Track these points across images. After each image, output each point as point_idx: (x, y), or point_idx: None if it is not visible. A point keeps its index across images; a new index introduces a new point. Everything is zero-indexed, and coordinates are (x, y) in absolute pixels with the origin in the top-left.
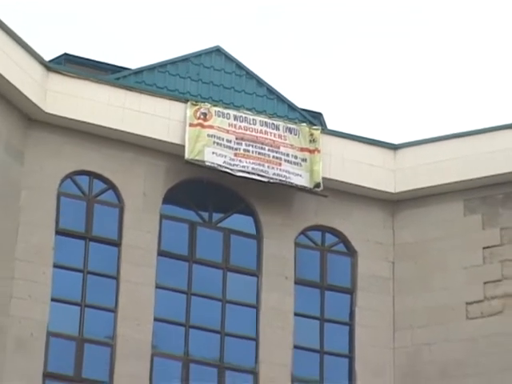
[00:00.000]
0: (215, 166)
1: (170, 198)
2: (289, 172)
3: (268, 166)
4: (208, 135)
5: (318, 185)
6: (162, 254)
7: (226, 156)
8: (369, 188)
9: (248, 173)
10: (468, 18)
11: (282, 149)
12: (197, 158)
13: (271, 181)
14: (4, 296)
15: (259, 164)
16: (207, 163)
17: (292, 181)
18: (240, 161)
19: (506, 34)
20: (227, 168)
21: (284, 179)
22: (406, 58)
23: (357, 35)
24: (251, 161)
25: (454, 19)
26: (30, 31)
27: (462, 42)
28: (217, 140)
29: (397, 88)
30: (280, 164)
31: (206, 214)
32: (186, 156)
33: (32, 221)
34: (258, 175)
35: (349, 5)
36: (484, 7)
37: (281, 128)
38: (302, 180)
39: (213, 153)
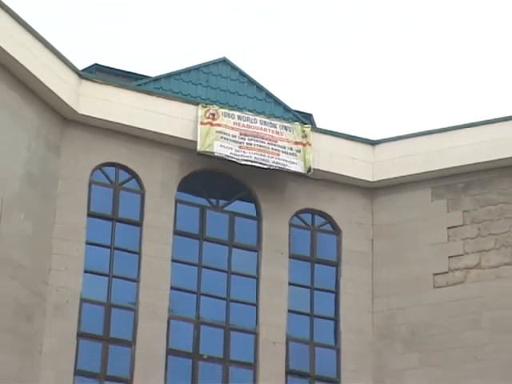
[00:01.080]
0: (223, 155)
1: (183, 185)
2: (286, 160)
3: (268, 156)
4: (216, 131)
5: (309, 169)
6: (176, 233)
7: (231, 148)
8: (351, 177)
9: (251, 161)
10: (443, 21)
11: (279, 142)
12: (207, 149)
13: (271, 168)
14: (44, 269)
15: (260, 154)
16: (216, 154)
17: (288, 167)
18: (244, 152)
19: (472, 35)
20: (233, 158)
21: (282, 166)
22: (383, 63)
23: (341, 47)
24: (253, 152)
25: (430, 23)
26: (65, 43)
27: (432, 47)
28: (224, 135)
29: (376, 91)
30: (278, 154)
31: (213, 200)
32: (198, 148)
33: (67, 205)
34: (260, 163)
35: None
36: (458, 5)
37: (277, 126)
38: (296, 167)
39: (220, 145)
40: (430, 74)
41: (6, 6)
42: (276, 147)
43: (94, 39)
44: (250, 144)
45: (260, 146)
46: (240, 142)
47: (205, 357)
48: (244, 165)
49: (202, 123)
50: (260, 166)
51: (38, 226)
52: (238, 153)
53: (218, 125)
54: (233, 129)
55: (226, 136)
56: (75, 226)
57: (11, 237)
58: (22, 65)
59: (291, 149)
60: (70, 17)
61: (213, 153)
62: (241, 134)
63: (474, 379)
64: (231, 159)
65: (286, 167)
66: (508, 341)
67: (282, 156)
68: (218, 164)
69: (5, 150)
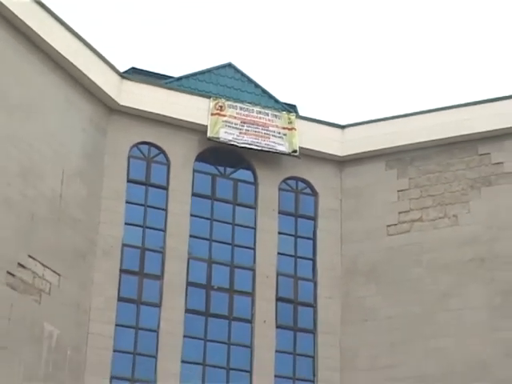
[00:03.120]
0: (226, 140)
1: (199, 159)
2: (274, 142)
3: (261, 139)
4: (222, 121)
5: (294, 151)
6: (194, 194)
7: (233, 134)
8: (326, 153)
9: (248, 144)
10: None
11: (270, 128)
12: (214, 136)
13: (264, 149)
14: (95, 221)
15: (255, 138)
16: (221, 139)
17: (277, 148)
18: (243, 136)
19: (430, 24)
20: (234, 142)
21: (271, 148)
22: (354, 63)
23: (321, 50)
24: (250, 136)
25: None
26: (109, 51)
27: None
28: (228, 124)
29: (346, 86)
30: (269, 138)
31: (222, 169)
32: (208, 135)
33: (112, 173)
34: (255, 146)
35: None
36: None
37: (269, 115)
38: (282, 148)
39: (225, 132)
40: (386, 69)
41: (66, 24)
42: (267, 132)
43: (131, 47)
44: (248, 130)
45: (255, 131)
46: (240, 129)
47: (215, 287)
48: (242, 148)
49: (212, 114)
50: (255, 148)
51: (90, 189)
52: (238, 137)
53: (224, 115)
54: (235, 118)
55: (230, 124)
56: (118, 189)
57: (71, 198)
58: (78, 69)
59: (279, 133)
60: (112, 29)
61: (218, 138)
62: (241, 122)
63: (415, 305)
64: (232, 143)
65: (275, 148)
66: (441, 275)
67: (272, 139)
68: (224, 145)
69: (66, 132)
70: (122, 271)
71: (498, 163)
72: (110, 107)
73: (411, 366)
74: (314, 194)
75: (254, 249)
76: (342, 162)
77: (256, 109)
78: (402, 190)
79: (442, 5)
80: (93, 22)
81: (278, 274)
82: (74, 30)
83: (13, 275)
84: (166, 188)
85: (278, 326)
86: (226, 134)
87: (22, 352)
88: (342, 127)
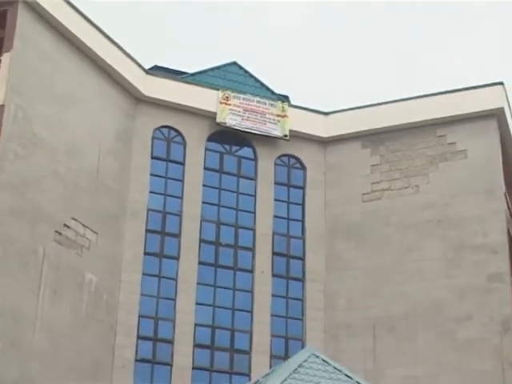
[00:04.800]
0: (231, 125)
1: (210, 139)
2: (270, 128)
3: (259, 125)
4: (228, 109)
5: (286, 135)
6: (205, 168)
7: (237, 120)
8: (313, 134)
9: (249, 128)
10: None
11: (266, 115)
12: (222, 121)
13: (262, 133)
14: (125, 190)
15: (254, 124)
16: (227, 124)
17: (272, 133)
18: (245, 122)
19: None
20: (237, 127)
21: (267, 132)
22: (340, 57)
23: (311, 48)
24: (250, 122)
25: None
26: (136, 50)
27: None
28: (233, 111)
29: (330, 78)
30: (265, 124)
31: (228, 148)
32: (217, 120)
33: (139, 151)
34: (255, 130)
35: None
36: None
37: (266, 104)
38: (276, 132)
39: (230, 118)
40: (361, 66)
41: (101, 29)
42: (264, 118)
43: (154, 48)
44: (249, 117)
45: (254, 118)
46: (243, 115)
47: (223, 244)
48: (244, 131)
49: (220, 103)
50: (254, 132)
51: (121, 164)
52: (241, 123)
53: (230, 104)
54: (239, 106)
55: (234, 111)
56: (143, 164)
57: (106, 171)
58: (111, 66)
59: (274, 120)
60: (139, 34)
61: (225, 123)
62: (243, 110)
63: (385, 257)
64: (236, 128)
65: (270, 132)
66: (406, 233)
67: (268, 125)
68: (230, 129)
69: (101, 118)
70: (147, 231)
71: (451, 143)
72: (137, 97)
73: (381, 307)
74: (303, 168)
75: (254, 213)
76: (325, 142)
77: (256, 99)
78: (374, 165)
79: (412, 9)
80: (124, 26)
81: (273, 233)
82: (108, 34)
83: (60, 234)
84: (182, 163)
85: (273, 275)
86: (231, 120)
87: (67, 295)
88: (326, 114)
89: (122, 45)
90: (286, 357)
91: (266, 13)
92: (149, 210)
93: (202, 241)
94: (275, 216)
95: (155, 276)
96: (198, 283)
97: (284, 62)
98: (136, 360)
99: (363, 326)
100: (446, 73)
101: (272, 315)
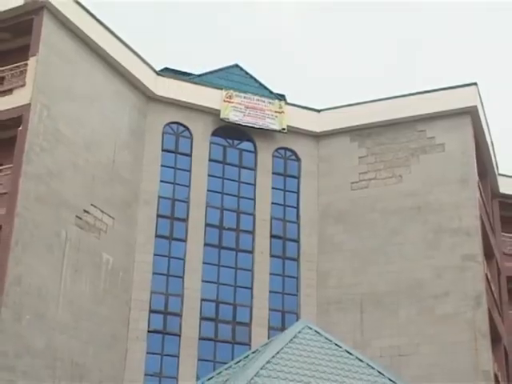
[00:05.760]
0: (234, 121)
1: (214, 134)
2: (268, 122)
3: (259, 120)
4: (231, 106)
5: (283, 129)
6: (210, 160)
7: (239, 116)
8: (307, 129)
9: (250, 124)
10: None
11: (266, 112)
12: (225, 117)
13: (261, 127)
14: (138, 180)
15: (254, 119)
16: (230, 120)
17: (270, 127)
18: (246, 118)
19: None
20: (239, 122)
21: (266, 127)
22: (334, 60)
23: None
24: (251, 118)
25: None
26: (148, 53)
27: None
28: (235, 108)
29: (323, 78)
30: (264, 119)
31: (230, 141)
32: (221, 116)
33: (151, 144)
34: (255, 125)
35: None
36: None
37: (265, 102)
38: (274, 126)
39: (233, 115)
40: (349, 68)
41: (116, 34)
42: (263, 114)
43: (164, 52)
44: (250, 113)
45: (255, 114)
46: (244, 112)
47: (226, 228)
48: (245, 126)
49: (223, 101)
50: (254, 126)
51: (135, 156)
52: (242, 119)
53: (232, 102)
54: (240, 104)
55: (236, 109)
56: (155, 157)
57: (121, 163)
58: (125, 68)
59: (272, 115)
60: (151, 39)
61: (228, 119)
62: (245, 107)
63: (371, 240)
64: (238, 123)
65: (269, 127)
66: (389, 218)
67: (267, 120)
68: (232, 124)
69: (117, 115)
70: (158, 216)
71: (430, 137)
72: (148, 96)
73: (367, 285)
74: (298, 159)
75: (254, 200)
76: (318, 137)
77: (255, 97)
78: (361, 157)
79: (401, 10)
80: (137, 31)
81: (271, 218)
82: (123, 40)
83: (80, 219)
84: (189, 155)
85: (271, 256)
86: (234, 116)
87: (87, 274)
88: (319, 111)
89: (135, 49)
90: (282, 328)
91: (264, 17)
92: (159, 197)
93: (207, 225)
94: (273, 203)
95: (165, 256)
96: (203, 263)
97: (279, 65)
98: (148, 331)
99: (352, 302)
100: (427, 73)
101: (270, 291)
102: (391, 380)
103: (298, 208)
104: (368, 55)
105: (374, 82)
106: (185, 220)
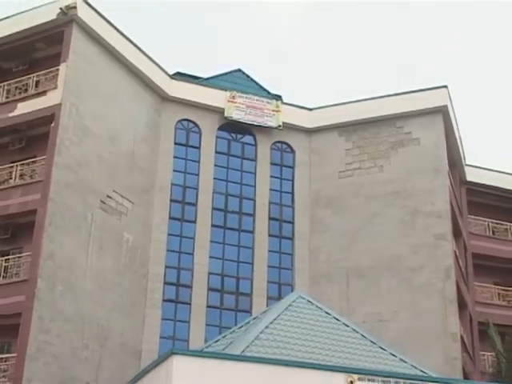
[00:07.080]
0: (237, 119)
1: (220, 129)
2: (267, 120)
3: (258, 118)
4: (234, 106)
5: (279, 126)
6: (217, 152)
7: (241, 114)
8: (300, 125)
9: (251, 121)
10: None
11: (264, 110)
12: (229, 115)
13: (260, 125)
14: (153, 170)
15: (254, 117)
16: (233, 117)
17: (269, 124)
18: (247, 116)
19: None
20: (242, 119)
21: (264, 124)
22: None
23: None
24: (251, 116)
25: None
26: (162, 58)
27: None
28: (237, 108)
29: (314, 78)
30: (263, 117)
31: (234, 136)
32: (225, 115)
33: (164, 138)
34: (255, 122)
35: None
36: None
37: (264, 101)
38: (272, 124)
39: (235, 113)
40: (339, 70)
41: (135, 43)
42: (262, 113)
43: (176, 58)
44: (251, 112)
45: (255, 112)
46: (245, 111)
47: (230, 211)
48: (246, 123)
49: (228, 101)
50: (255, 124)
51: (151, 148)
52: (244, 117)
53: (235, 102)
54: (242, 104)
55: (239, 108)
56: (168, 149)
57: (139, 154)
58: (143, 72)
59: (270, 114)
60: (164, 46)
61: (232, 117)
62: (246, 107)
63: (356, 221)
64: (240, 121)
65: (267, 124)
66: (372, 203)
67: (265, 118)
68: (235, 122)
69: (135, 112)
70: (171, 201)
71: (407, 133)
72: (163, 97)
73: (353, 260)
74: (293, 151)
75: (254, 186)
76: (310, 132)
77: (256, 98)
78: (348, 149)
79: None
80: (153, 39)
81: (269, 203)
82: (140, 47)
83: (104, 203)
84: (198, 148)
85: (269, 235)
86: (237, 115)
87: (110, 250)
88: (311, 109)
89: (151, 55)
90: (279, 298)
91: (264, 17)
92: (172, 184)
93: (213, 208)
94: (271, 189)
95: (178, 236)
96: (210, 241)
97: (276, 70)
98: (163, 300)
99: (339, 274)
100: (427, 73)
101: (268, 266)
102: (373, 342)
103: (292, 194)
104: (368, 55)
105: (373, 81)
106: (194, 204)
